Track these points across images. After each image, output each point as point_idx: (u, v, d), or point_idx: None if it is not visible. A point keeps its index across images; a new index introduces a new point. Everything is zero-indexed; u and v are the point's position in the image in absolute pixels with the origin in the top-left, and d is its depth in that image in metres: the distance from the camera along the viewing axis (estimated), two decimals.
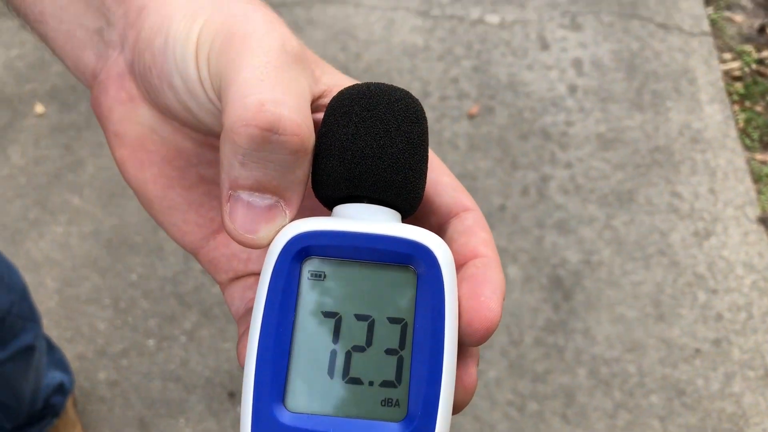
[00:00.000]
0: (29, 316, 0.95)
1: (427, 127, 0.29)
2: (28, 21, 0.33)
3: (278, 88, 0.25)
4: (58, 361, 1.13)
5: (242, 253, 0.32)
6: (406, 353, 0.26)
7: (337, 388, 0.26)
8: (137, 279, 1.41)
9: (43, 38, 0.33)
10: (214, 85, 0.27)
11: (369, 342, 0.26)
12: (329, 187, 0.28)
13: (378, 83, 0.29)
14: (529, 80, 1.80)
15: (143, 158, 0.31)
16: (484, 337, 0.27)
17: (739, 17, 2.02)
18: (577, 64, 1.85)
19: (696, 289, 1.48)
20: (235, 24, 0.27)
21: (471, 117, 1.72)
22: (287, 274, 0.27)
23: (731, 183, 1.64)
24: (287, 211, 0.27)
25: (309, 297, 0.27)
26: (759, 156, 1.72)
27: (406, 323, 0.26)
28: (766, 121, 1.79)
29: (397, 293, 0.27)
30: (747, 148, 1.73)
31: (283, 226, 0.27)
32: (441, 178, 0.31)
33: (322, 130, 0.29)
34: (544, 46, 1.87)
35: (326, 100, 0.30)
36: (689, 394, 1.36)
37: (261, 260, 0.31)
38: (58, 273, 1.42)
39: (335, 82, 0.31)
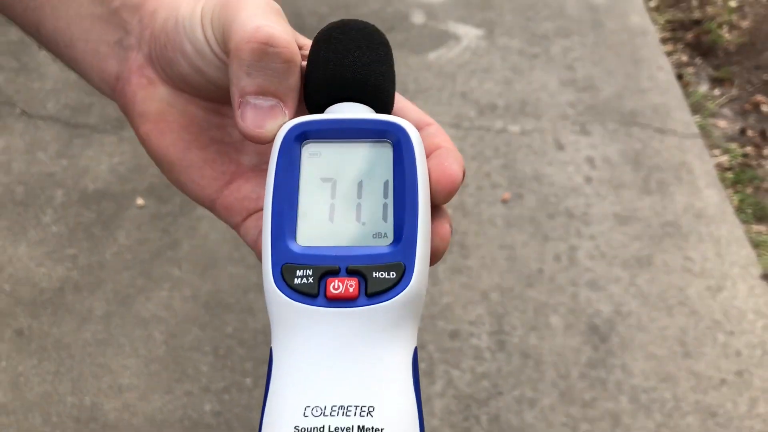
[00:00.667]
0: None
1: (390, 50, 0.35)
2: (59, 48, 0.38)
3: (270, 17, 0.31)
4: None
5: (252, 194, 0.36)
6: (389, 201, 0.31)
7: (338, 227, 0.31)
8: (232, 331, 1.63)
9: (72, 61, 0.38)
10: (218, 39, 0.32)
11: (360, 196, 0.31)
12: (316, 94, 0.33)
13: (350, 18, 0.35)
14: (551, 173, 2.11)
15: (163, 128, 0.35)
16: (450, 193, 0.32)
17: (722, 123, 2.38)
18: (590, 160, 2.17)
19: (715, 331, 1.70)
20: None
21: (504, 202, 2.01)
22: (290, 155, 0.31)
23: (734, 248, 1.90)
24: (286, 111, 0.32)
25: (309, 169, 0.32)
26: (755, 227, 2.00)
27: (387, 181, 0.31)
28: (756, 201, 2.08)
29: (378, 161, 0.32)
30: (743, 221, 2.00)
31: (284, 122, 0.32)
32: (407, 104, 0.36)
33: (309, 57, 0.34)
34: (560, 147, 2.20)
35: (305, 52, 0.36)
36: (721, 415, 1.54)
37: None
38: (164, 328, 1.64)
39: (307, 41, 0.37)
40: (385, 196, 0.31)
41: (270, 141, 0.32)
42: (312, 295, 0.29)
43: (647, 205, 2.02)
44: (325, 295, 0.29)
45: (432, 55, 2.50)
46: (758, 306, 1.75)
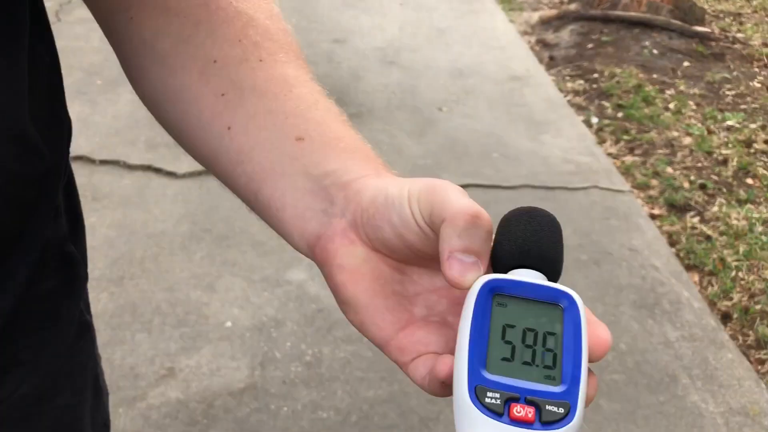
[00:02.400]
0: None
1: (562, 233, 0.42)
2: (270, 211, 0.47)
3: (470, 199, 0.40)
4: None
5: (424, 339, 0.43)
6: (558, 352, 0.38)
7: (517, 366, 0.38)
8: None
9: (279, 221, 0.47)
10: (423, 214, 0.41)
11: (534, 343, 0.39)
12: (506, 258, 0.41)
13: (539, 207, 0.42)
14: None
15: (358, 279, 0.43)
16: (603, 354, 0.39)
17: None
18: None
19: None
20: (432, 182, 0.42)
21: None
22: (483, 304, 0.39)
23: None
24: (482, 267, 0.40)
25: (497, 316, 0.39)
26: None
27: (557, 335, 0.39)
28: None
29: (551, 319, 0.39)
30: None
31: (480, 275, 0.40)
32: None
33: (500, 230, 0.42)
34: None
35: None
36: None
37: (438, 344, 0.43)
38: None
39: None
40: (555, 347, 0.39)
41: (468, 288, 0.40)
42: (498, 413, 0.36)
43: None
44: (509, 416, 0.36)
45: None
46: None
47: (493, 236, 0.42)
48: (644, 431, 1.82)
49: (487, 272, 0.41)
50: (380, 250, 0.44)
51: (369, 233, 0.43)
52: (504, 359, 0.38)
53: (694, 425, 1.85)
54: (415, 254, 0.43)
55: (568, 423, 0.36)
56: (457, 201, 0.40)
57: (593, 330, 0.39)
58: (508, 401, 0.37)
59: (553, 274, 0.42)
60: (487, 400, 0.36)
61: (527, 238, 0.41)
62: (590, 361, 0.39)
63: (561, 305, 0.40)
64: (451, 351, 0.40)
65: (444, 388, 0.40)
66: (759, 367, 2.11)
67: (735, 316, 2.28)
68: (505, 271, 0.41)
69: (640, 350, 2.06)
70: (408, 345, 0.43)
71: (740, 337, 2.21)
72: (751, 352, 2.15)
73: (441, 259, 0.40)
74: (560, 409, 0.36)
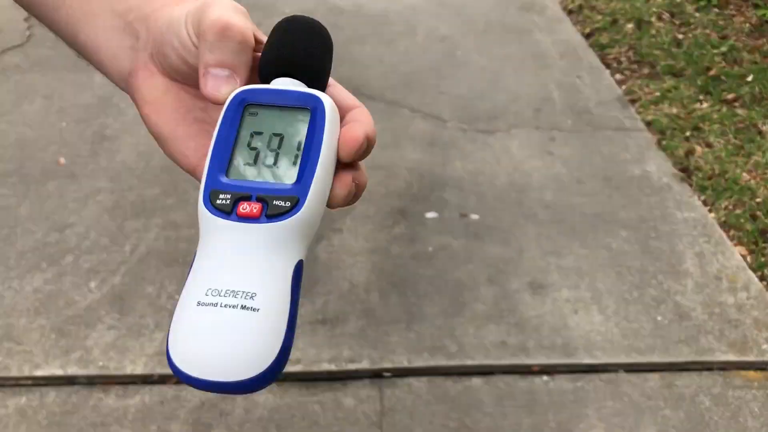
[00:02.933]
0: None
1: (330, 42, 0.44)
2: (89, 54, 0.48)
3: (231, 11, 0.41)
4: None
5: None
6: (299, 153, 0.40)
7: (259, 169, 0.40)
8: None
9: (99, 64, 0.47)
10: (195, 33, 0.41)
11: (279, 147, 0.40)
12: (264, 69, 0.42)
13: (302, 15, 0.43)
14: None
15: (159, 109, 0.44)
16: (353, 153, 0.40)
17: None
18: None
19: None
20: (207, 1, 0.41)
21: None
22: (234, 113, 0.41)
23: None
24: (238, 80, 0.41)
25: (246, 124, 0.41)
26: None
27: (301, 139, 0.40)
28: None
29: (298, 123, 0.41)
30: None
31: (236, 89, 0.41)
32: (340, 89, 0.45)
33: (266, 41, 0.43)
34: None
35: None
36: None
37: None
38: None
39: None
40: (297, 149, 0.40)
41: (223, 102, 0.41)
42: (226, 212, 0.39)
43: None
44: (236, 213, 0.39)
45: None
46: None
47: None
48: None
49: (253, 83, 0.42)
50: (176, 78, 0.44)
51: (162, 62, 0.44)
52: (247, 164, 0.40)
53: None
54: None
55: (293, 215, 0.38)
56: (211, 14, 0.40)
57: (347, 129, 0.41)
58: (238, 200, 0.39)
59: (314, 80, 0.42)
60: (218, 201, 0.39)
61: (282, 46, 0.42)
62: (343, 159, 0.40)
63: (308, 108, 0.40)
64: None
65: None
66: None
67: None
68: (267, 81, 0.42)
69: None
70: None
71: None
72: None
73: (198, 75, 0.41)
74: (287, 203, 0.38)
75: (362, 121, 0.42)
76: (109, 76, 0.48)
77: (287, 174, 0.40)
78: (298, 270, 0.39)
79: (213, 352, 0.36)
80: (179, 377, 0.37)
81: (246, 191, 0.39)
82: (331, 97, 0.43)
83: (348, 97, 0.45)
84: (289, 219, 0.38)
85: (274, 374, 0.37)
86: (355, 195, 0.42)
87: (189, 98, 0.44)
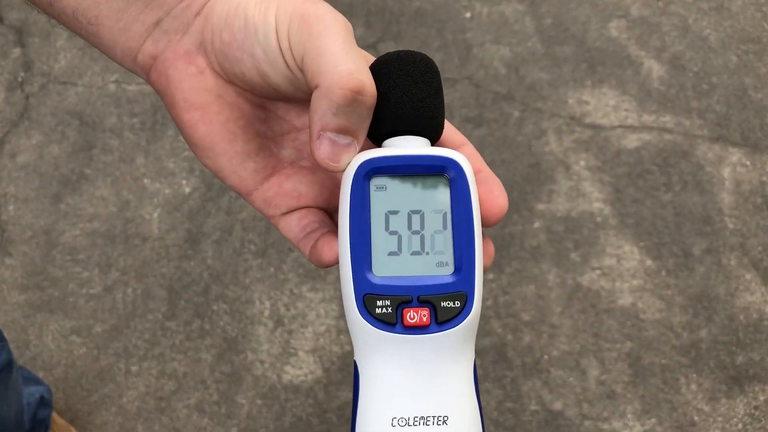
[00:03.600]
0: None
1: (440, 77, 0.38)
2: (78, 24, 0.37)
3: (358, 60, 0.33)
4: (29, 377, 1.14)
5: (293, 191, 0.39)
6: (448, 232, 0.35)
7: (406, 259, 0.35)
8: None
9: (93, 36, 0.37)
10: (296, 55, 0.33)
11: (422, 227, 0.35)
12: (379, 127, 0.36)
13: (404, 50, 0.38)
14: None
15: (211, 118, 0.37)
16: (498, 219, 0.36)
17: None
18: None
19: None
20: (306, 8, 0.34)
21: None
22: (360, 189, 0.35)
23: None
24: (358, 147, 0.35)
25: (377, 202, 0.35)
26: None
27: (446, 212, 0.35)
28: None
29: (437, 193, 0.36)
30: None
31: (355, 156, 0.35)
32: (446, 125, 0.39)
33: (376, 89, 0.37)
34: None
35: None
36: None
37: (310, 196, 0.39)
38: None
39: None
40: (444, 227, 0.35)
41: (341, 171, 0.35)
42: (391, 324, 0.34)
43: None
44: (403, 323, 0.34)
45: None
46: None
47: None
48: None
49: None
50: (236, 83, 0.36)
51: (224, 64, 0.36)
52: (391, 254, 0.35)
53: None
54: (281, 94, 0.36)
55: (466, 317, 0.34)
56: (337, 62, 0.32)
57: (487, 192, 0.36)
58: (400, 306, 0.34)
59: (436, 135, 0.37)
60: (378, 310, 0.34)
61: (400, 98, 0.35)
62: (485, 226, 0.36)
63: (446, 175, 0.35)
64: (325, 201, 0.39)
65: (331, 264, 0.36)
66: None
67: None
68: (380, 141, 0.37)
69: None
70: (275, 197, 0.38)
71: None
72: None
73: (311, 134, 0.34)
74: (456, 302, 0.34)
75: (489, 174, 0.37)
76: (108, 53, 0.38)
77: (441, 261, 0.35)
78: (475, 372, 0.36)
79: None
80: None
81: (405, 294, 0.34)
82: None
83: (454, 133, 0.39)
84: (463, 323, 0.34)
85: None
86: None
87: (249, 107, 0.37)
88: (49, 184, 1.48)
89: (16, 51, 1.66)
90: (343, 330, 1.34)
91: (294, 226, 0.38)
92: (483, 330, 1.35)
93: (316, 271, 1.40)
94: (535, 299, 1.38)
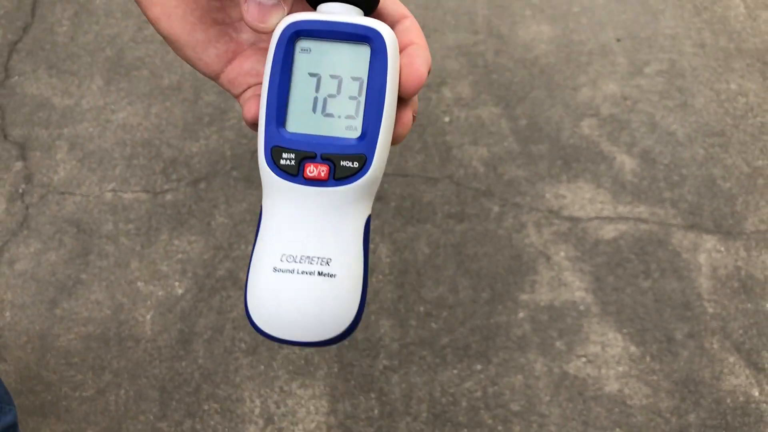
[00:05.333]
0: (6, 398, 0.97)
1: None
2: None
3: None
4: None
5: (252, 70, 0.41)
6: (361, 99, 0.37)
7: (319, 119, 0.37)
8: None
9: None
10: None
11: (338, 92, 0.37)
12: None
13: None
14: None
15: (170, 12, 0.39)
16: (416, 90, 0.37)
17: None
18: None
19: None
20: None
21: None
22: (285, 50, 0.37)
23: None
24: (285, 8, 0.37)
25: (300, 64, 0.37)
26: None
27: (363, 80, 0.37)
28: None
29: (357, 61, 0.37)
30: None
31: (283, 17, 0.37)
32: None
33: None
34: None
35: None
36: None
37: None
38: None
39: None
40: (359, 94, 0.37)
41: (270, 32, 0.37)
42: (293, 174, 0.37)
43: None
44: (303, 176, 0.37)
45: None
46: None
47: None
48: None
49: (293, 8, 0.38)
50: None
51: None
52: (305, 113, 0.37)
53: None
54: None
55: (362, 176, 0.37)
56: None
57: (408, 62, 0.37)
58: (303, 160, 0.37)
59: (369, 6, 0.38)
60: (282, 162, 0.37)
61: None
62: (403, 96, 0.38)
63: (369, 44, 0.37)
64: None
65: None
66: None
67: None
68: (315, 5, 0.38)
69: None
70: (237, 77, 0.41)
71: None
72: None
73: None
74: (354, 163, 0.37)
75: (419, 45, 0.38)
76: None
77: (351, 125, 0.37)
78: (367, 226, 0.39)
79: (295, 318, 0.37)
80: (262, 335, 0.38)
81: (310, 149, 0.37)
82: (380, 6, 0.39)
83: (397, 6, 0.40)
84: (358, 181, 0.37)
85: (353, 329, 0.38)
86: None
87: None
88: (46, 290, 1.52)
89: (18, 164, 1.73)
90: (333, 426, 1.35)
91: (248, 98, 0.41)
92: (473, 422, 1.36)
93: (306, 367, 1.41)
94: (524, 389, 1.39)
